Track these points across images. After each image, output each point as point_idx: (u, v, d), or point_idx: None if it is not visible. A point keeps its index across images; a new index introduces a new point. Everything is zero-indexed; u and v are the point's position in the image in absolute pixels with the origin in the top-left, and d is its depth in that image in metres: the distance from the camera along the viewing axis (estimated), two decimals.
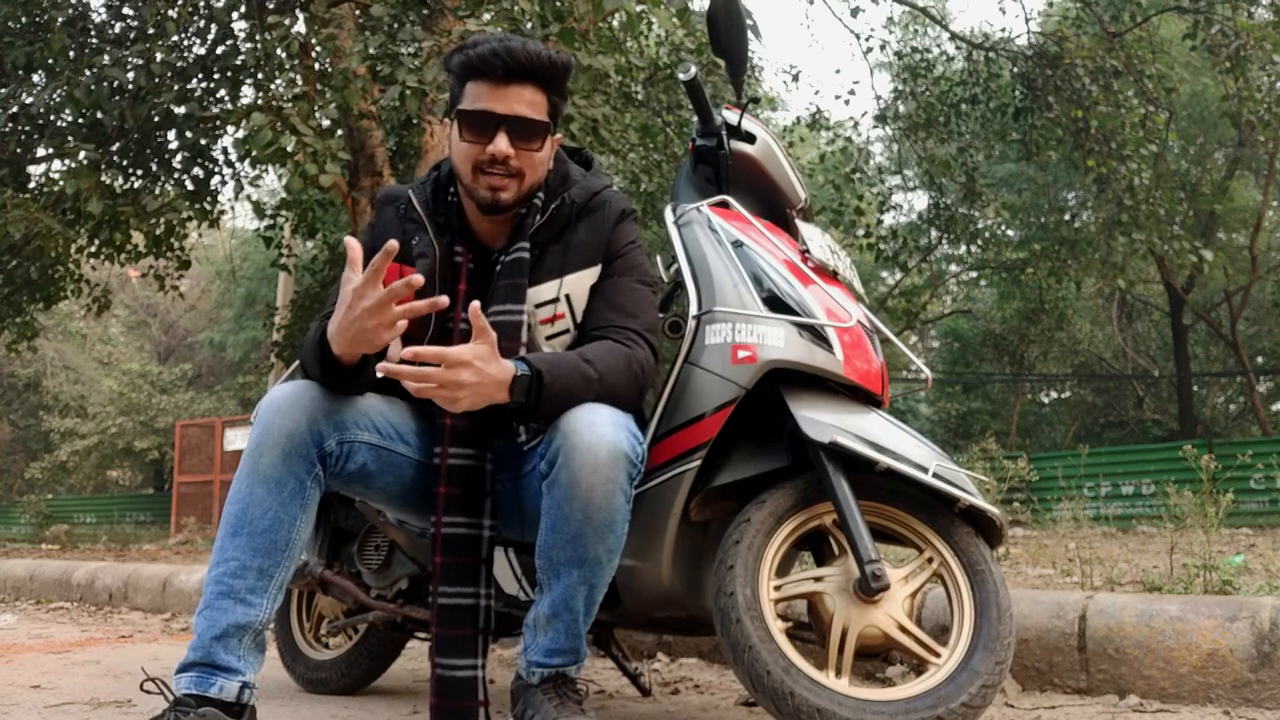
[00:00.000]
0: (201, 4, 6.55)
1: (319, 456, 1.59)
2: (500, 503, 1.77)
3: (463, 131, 1.70)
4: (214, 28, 6.72)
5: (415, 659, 2.96)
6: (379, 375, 1.46)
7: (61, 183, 6.35)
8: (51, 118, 6.95)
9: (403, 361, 1.44)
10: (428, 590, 2.19)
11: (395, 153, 7.78)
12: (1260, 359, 18.48)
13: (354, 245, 1.52)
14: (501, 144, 1.67)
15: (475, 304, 1.50)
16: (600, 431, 1.53)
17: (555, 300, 1.74)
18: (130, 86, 6.21)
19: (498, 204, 1.71)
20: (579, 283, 1.75)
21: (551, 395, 1.55)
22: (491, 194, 1.70)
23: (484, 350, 1.49)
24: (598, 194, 1.81)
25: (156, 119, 6.72)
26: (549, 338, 1.74)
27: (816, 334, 1.78)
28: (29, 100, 6.44)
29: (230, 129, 6.40)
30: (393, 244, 1.44)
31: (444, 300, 1.47)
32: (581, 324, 1.75)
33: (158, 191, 7.27)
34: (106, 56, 6.56)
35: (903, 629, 1.65)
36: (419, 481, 1.74)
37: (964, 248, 14.99)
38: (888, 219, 13.63)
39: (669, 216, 2.04)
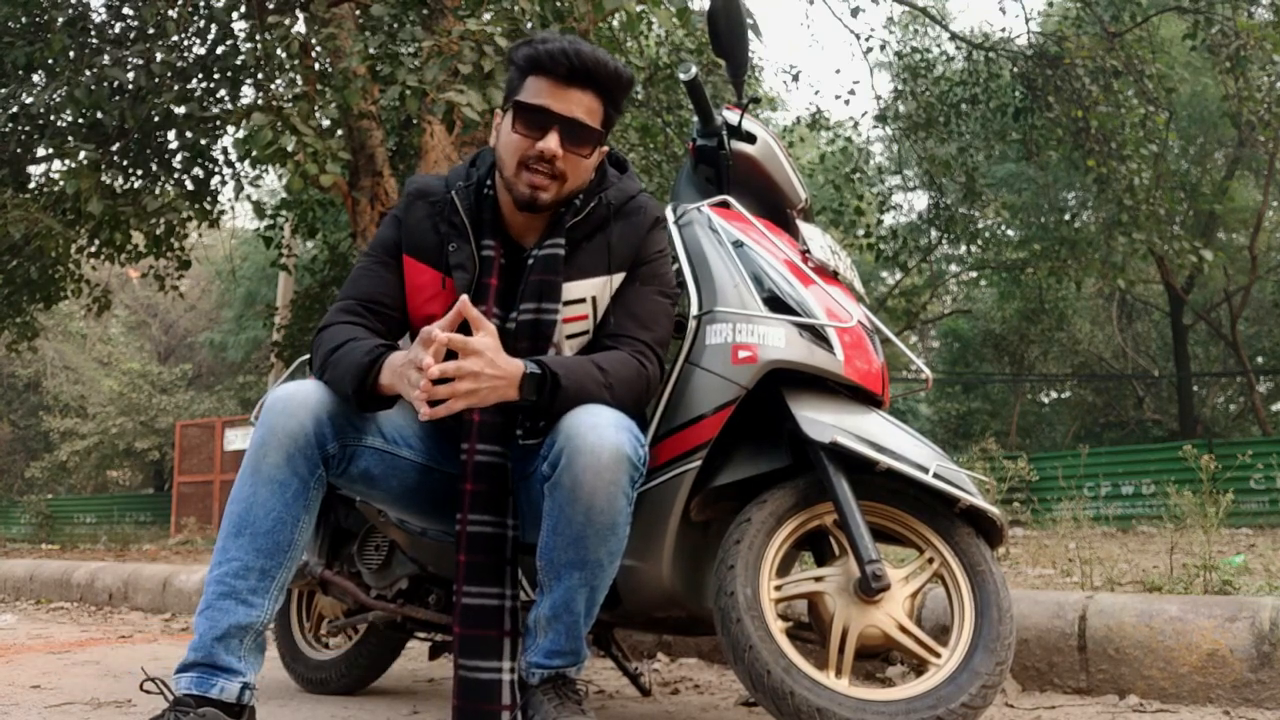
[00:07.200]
0: (201, 4, 6.55)
1: (322, 458, 1.59)
2: None
3: (516, 123, 1.68)
4: (214, 28, 6.71)
5: (415, 659, 2.96)
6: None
7: (61, 183, 6.35)
8: (51, 118, 6.94)
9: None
10: (428, 590, 2.19)
11: (395, 153, 7.77)
12: (1260, 359, 18.46)
13: (468, 309, 1.51)
14: (552, 142, 1.66)
15: (464, 298, 1.51)
16: (603, 434, 1.52)
17: (583, 301, 1.73)
18: (130, 86, 6.21)
19: (535, 202, 1.69)
20: (608, 286, 1.74)
21: (565, 397, 1.56)
22: (531, 191, 1.68)
23: (490, 341, 1.51)
24: (634, 198, 1.80)
25: (156, 119, 6.72)
26: (569, 336, 1.73)
27: (817, 334, 1.78)
28: (29, 100, 6.43)
29: (230, 129, 6.40)
30: (470, 312, 1.51)
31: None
32: (598, 326, 1.75)
33: (158, 191, 7.26)
34: (106, 56, 6.55)
35: (903, 629, 1.65)
36: (422, 484, 1.74)
37: (964, 248, 15.00)
38: (888, 219, 13.64)
39: (669, 216, 2.04)
